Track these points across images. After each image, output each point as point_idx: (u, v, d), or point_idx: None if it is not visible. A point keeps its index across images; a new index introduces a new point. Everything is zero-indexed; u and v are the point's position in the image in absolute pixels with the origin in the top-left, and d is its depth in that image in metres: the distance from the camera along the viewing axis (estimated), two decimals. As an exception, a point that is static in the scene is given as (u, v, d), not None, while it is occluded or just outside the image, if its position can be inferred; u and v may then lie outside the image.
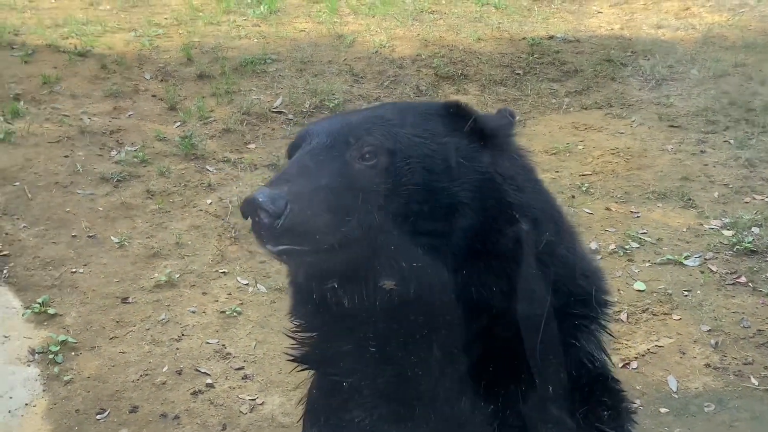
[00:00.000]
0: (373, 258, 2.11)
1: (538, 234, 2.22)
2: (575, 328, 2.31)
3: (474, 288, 2.15)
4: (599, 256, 5.76)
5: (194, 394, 4.60)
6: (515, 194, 2.21)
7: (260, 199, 1.98)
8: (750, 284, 5.36)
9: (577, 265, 2.36)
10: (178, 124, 7.97)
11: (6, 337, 5.01)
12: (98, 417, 4.44)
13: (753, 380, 4.53)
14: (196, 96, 8.49)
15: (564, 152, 7.44)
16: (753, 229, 5.96)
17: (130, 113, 8.12)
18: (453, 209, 2.15)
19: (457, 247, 2.15)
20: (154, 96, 8.55)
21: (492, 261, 2.17)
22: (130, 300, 5.41)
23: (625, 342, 4.92)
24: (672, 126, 7.99)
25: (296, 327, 2.41)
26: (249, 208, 2.03)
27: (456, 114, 2.34)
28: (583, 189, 6.75)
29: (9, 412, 4.46)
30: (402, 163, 2.16)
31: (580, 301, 2.31)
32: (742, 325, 4.98)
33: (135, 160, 7.14)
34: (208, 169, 7.13)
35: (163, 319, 5.21)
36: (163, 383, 4.69)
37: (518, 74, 9.43)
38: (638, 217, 6.34)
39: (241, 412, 4.45)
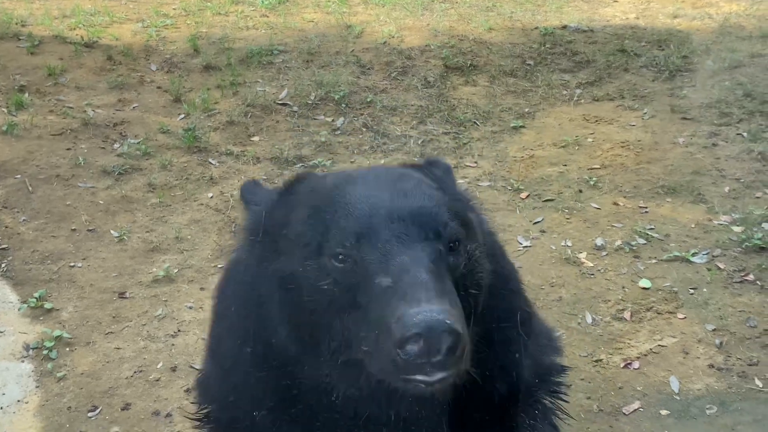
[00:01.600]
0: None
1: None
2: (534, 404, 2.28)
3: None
4: (605, 252, 5.65)
5: (188, 391, 4.52)
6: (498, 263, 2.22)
7: (447, 322, 1.70)
8: (758, 282, 5.22)
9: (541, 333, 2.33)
10: (182, 116, 7.91)
11: (1, 331, 4.97)
12: (90, 414, 4.39)
13: (757, 382, 4.40)
14: (202, 88, 8.43)
15: (573, 145, 7.31)
16: (763, 224, 5.82)
17: (134, 105, 8.07)
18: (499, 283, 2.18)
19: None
20: (159, 88, 8.50)
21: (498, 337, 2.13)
22: (127, 295, 5.36)
23: (628, 341, 4.81)
24: (684, 118, 7.83)
25: None
26: (430, 333, 1.70)
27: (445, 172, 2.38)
28: (591, 183, 6.62)
29: (1, 408, 4.42)
30: (473, 248, 2.08)
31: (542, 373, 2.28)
32: (748, 325, 4.85)
33: (137, 152, 7.09)
34: (210, 162, 7.07)
35: (160, 314, 5.15)
36: (157, 380, 4.63)
37: (529, 65, 9.29)
38: (646, 212, 6.21)
39: (233, 410, 4.38)
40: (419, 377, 1.74)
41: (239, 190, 2.54)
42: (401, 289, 1.79)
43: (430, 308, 1.70)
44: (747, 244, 5.58)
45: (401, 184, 2.11)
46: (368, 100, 8.17)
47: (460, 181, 6.68)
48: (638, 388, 4.44)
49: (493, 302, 2.12)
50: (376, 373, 1.85)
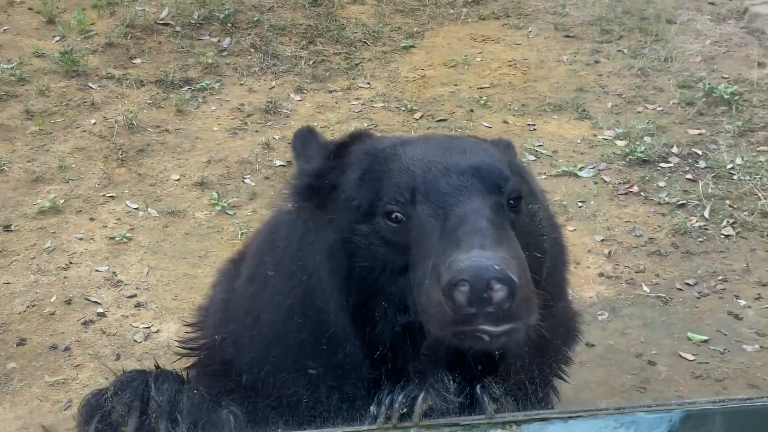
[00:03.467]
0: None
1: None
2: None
3: None
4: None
5: (85, 324, 4.42)
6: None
7: (496, 268, 1.58)
8: (642, 193, 5.48)
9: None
10: (57, 38, 7.48)
11: None
12: (-17, 352, 4.24)
13: (644, 288, 4.66)
14: (76, 8, 7.95)
15: (462, 65, 7.36)
16: (645, 138, 6.08)
17: (5, 28, 7.57)
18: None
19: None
20: (30, 9, 7.97)
21: None
22: (12, 228, 5.13)
23: (522, 254, 4.98)
24: (567, 36, 7.98)
25: None
26: (476, 279, 1.58)
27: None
28: (482, 102, 6.71)
29: None
30: (527, 203, 2.00)
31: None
32: (634, 234, 5.10)
33: (12, 78, 6.70)
34: (91, 87, 6.75)
35: (49, 246, 4.96)
36: (52, 314, 4.49)
37: (415, -17, 9.21)
38: (535, 129, 6.37)
39: (135, 340, 4.32)
40: (484, 327, 1.61)
41: (292, 137, 2.32)
42: (456, 237, 1.70)
43: (480, 254, 1.61)
44: (630, 157, 5.82)
45: (459, 143, 2.03)
46: (255, 19, 7.94)
47: (353, 102, 6.70)
48: (533, 299, 4.62)
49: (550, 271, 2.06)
50: (432, 330, 1.75)
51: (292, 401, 1.81)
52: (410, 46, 7.74)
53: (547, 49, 7.72)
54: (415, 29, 8.08)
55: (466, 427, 1.30)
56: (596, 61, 7.46)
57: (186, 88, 6.82)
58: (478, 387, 1.47)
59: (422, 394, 1.37)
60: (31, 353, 4.24)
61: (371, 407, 1.39)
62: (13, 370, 4.14)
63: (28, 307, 4.53)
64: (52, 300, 4.56)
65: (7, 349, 4.26)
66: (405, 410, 1.34)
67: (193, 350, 2.41)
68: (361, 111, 6.64)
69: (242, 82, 7.03)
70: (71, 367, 4.18)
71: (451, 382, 1.45)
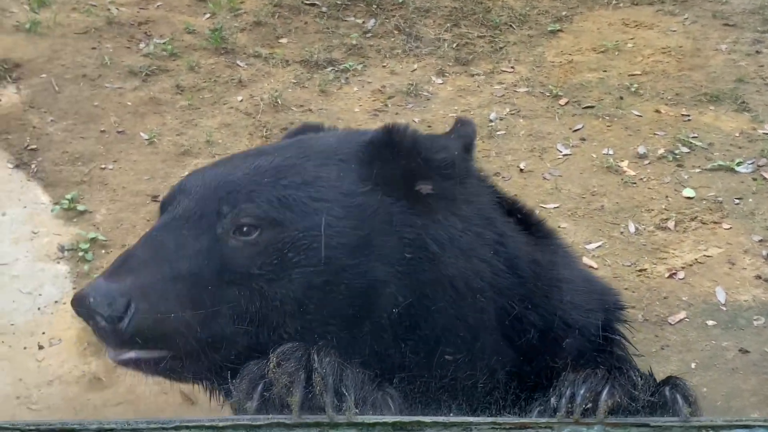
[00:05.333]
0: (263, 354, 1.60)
1: (497, 302, 1.80)
2: None
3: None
4: (647, 161, 5.51)
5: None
6: (455, 264, 1.75)
7: (91, 300, 1.60)
8: (806, 193, 5.10)
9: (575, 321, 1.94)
10: (208, 15, 7.67)
11: (35, 233, 4.92)
12: (128, 316, 4.37)
13: (807, 293, 4.33)
14: (227, -14, 8.14)
15: (613, 51, 7.07)
16: (810, 134, 5.66)
17: (158, 4, 7.82)
18: (367, 290, 1.69)
19: (374, 331, 1.70)
20: (183, -14, 8.22)
21: (427, 341, 1.75)
22: (160, 198, 5.27)
23: (672, 251, 4.72)
24: (726, 24, 7.53)
25: None
26: (81, 309, 1.64)
27: (388, 147, 1.81)
28: (632, 90, 6.42)
29: (38, 309, 4.40)
30: (293, 239, 1.67)
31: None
32: (796, 236, 4.75)
33: (164, 53, 6.90)
34: (238, 64, 6.88)
35: (194, 218, 5.07)
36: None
37: (565, -34, 8.93)
38: (689, 120, 6.03)
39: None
40: (110, 356, 1.72)
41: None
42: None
43: (95, 285, 1.66)
44: (794, 154, 5.43)
45: (254, 159, 1.86)
46: (400, 1, 7.88)
47: (496, 86, 6.54)
48: (683, 299, 4.37)
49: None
50: None
51: (466, 385, 1.72)
52: (558, 30, 7.49)
53: (704, 37, 7.31)
54: (564, 13, 7.82)
55: (656, 428, 1.17)
56: (757, 52, 7.01)
57: (330, 69, 6.84)
58: (668, 387, 1.34)
59: (607, 389, 1.26)
60: (173, 320, 4.34)
61: (551, 399, 1.29)
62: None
63: (172, 275, 4.64)
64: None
65: (151, 315, 4.38)
66: (589, 405, 1.23)
67: None
68: (503, 95, 6.48)
69: (384, 64, 7.00)
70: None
71: (639, 378, 1.32)
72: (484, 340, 1.79)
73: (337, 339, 1.66)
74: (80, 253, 4.74)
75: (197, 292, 1.65)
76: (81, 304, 1.63)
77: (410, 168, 1.78)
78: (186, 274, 1.67)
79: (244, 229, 1.69)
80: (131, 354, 1.66)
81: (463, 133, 1.92)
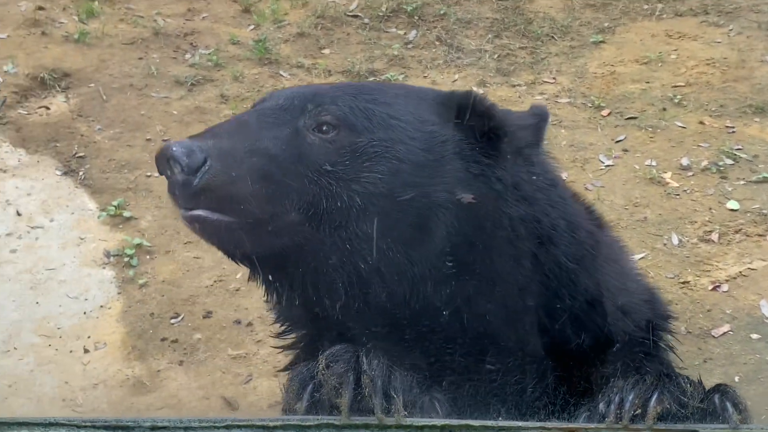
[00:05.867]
0: (317, 253, 1.75)
1: (552, 256, 1.87)
2: None
3: (457, 305, 1.79)
4: (691, 172, 5.46)
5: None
6: (517, 206, 1.84)
7: (173, 149, 1.70)
8: None
9: (620, 292, 1.99)
10: (252, 27, 7.78)
11: (82, 239, 5.02)
12: (172, 321, 4.44)
13: None
14: (271, -2, 8.25)
15: (656, 62, 7.01)
16: None
17: (204, 15, 7.94)
18: (428, 211, 1.78)
19: (429, 257, 1.78)
20: (228, -2, 8.34)
21: (480, 280, 1.81)
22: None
23: (716, 263, 4.67)
24: (773, 35, 7.45)
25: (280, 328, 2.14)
26: (161, 160, 1.73)
27: (464, 105, 1.93)
28: (676, 101, 6.36)
29: (84, 313, 4.49)
30: (367, 144, 1.80)
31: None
32: None
33: (209, 63, 7.01)
34: (281, 75, 6.96)
35: (237, 225, 5.13)
36: (237, 290, 4.65)
37: (608, -22, 8.89)
38: (733, 132, 5.96)
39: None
40: (181, 210, 1.79)
41: None
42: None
43: (179, 140, 1.76)
44: (843, 168, 5.33)
45: (350, 83, 2.09)
46: (441, 12, 7.91)
47: (537, 97, 6.53)
48: (727, 311, 4.32)
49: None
50: None
51: (515, 390, 1.73)
52: (600, 42, 7.46)
53: (749, 49, 7.22)
54: (606, 24, 7.78)
55: (706, 436, 1.17)
56: (805, 63, 6.91)
57: (371, 79, 6.89)
58: (717, 394, 1.33)
59: (656, 395, 1.26)
60: (216, 326, 4.40)
61: (600, 404, 1.29)
62: (198, 341, 4.32)
63: (215, 281, 4.71)
64: (237, 276, 4.71)
65: (194, 321, 4.44)
66: (637, 411, 1.23)
67: None
68: (545, 106, 6.45)
69: (426, 75, 7.02)
70: (253, 342, 4.30)
71: (688, 385, 1.32)
72: (533, 338, 1.82)
73: (389, 257, 1.75)
74: (125, 259, 4.84)
75: (269, 170, 1.77)
76: (163, 153, 1.73)
77: (484, 117, 1.92)
78: (262, 151, 1.79)
79: (324, 127, 1.84)
80: (199, 211, 1.75)
81: (538, 112, 2.08)
